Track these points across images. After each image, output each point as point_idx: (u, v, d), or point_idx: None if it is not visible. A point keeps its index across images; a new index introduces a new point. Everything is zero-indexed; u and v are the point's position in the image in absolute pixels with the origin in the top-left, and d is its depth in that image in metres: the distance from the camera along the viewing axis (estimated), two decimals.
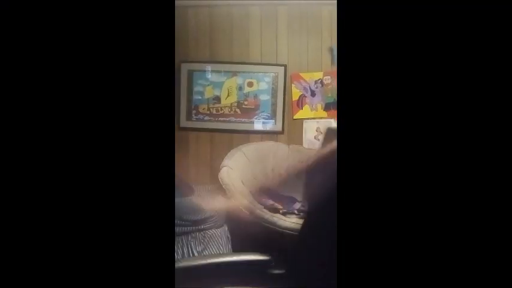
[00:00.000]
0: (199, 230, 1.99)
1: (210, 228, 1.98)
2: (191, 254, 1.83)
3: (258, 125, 2.60)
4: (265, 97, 2.60)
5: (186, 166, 2.62)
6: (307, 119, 2.60)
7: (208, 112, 2.61)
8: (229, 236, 1.95)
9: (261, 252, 0.77)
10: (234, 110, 2.61)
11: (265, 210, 1.96)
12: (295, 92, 2.59)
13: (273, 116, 2.60)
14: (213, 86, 2.61)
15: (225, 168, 2.13)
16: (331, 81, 2.59)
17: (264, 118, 2.60)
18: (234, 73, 2.60)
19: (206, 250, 1.83)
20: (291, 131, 2.61)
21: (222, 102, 2.61)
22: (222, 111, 2.61)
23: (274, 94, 2.59)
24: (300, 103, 2.60)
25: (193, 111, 2.62)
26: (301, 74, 2.59)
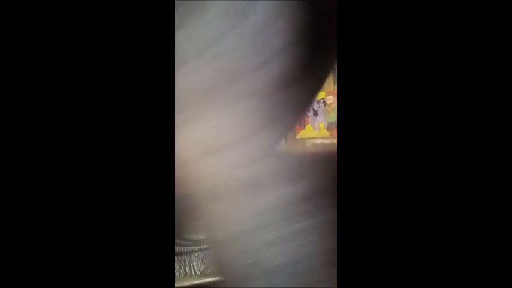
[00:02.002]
0: (202, 250, 1.96)
1: None
2: (193, 274, 1.80)
3: None
4: None
5: None
6: (310, 138, 2.59)
7: None
8: None
9: None
10: None
11: None
12: None
13: None
14: None
15: None
16: (333, 101, 2.60)
17: None
18: None
19: (208, 269, 1.80)
20: (293, 150, 2.60)
21: None
22: None
23: None
24: (303, 123, 2.60)
25: None
26: None
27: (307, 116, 2.59)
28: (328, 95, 2.58)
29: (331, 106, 2.60)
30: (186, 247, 1.94)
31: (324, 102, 2.58)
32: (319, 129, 2.59)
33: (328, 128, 2.59)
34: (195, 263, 1.95)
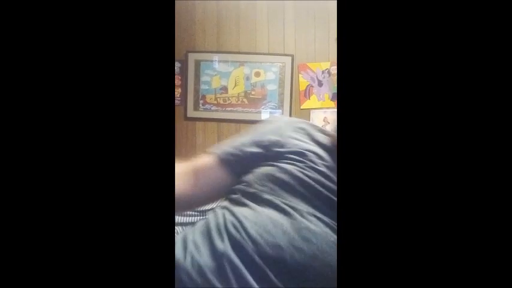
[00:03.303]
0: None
1: None
2: None
3: (265, 115, 2.60)
4: (272, 87, 2.59)
5: (193, 156, 2.63)
6: (315, 109, 2.59)
7: (215, 102, 2.61)
8: None
9: None
10: (241, 100, 2.61)
11: None
12: (303, 82, 2.59)
13: (280, 106, 2.59)
14: (220, 76, 2.61)
15: None
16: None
17: (271, 108, 2.60)
18: (241, 63, 2.59)
19: None
20: None
21: (229, 92, 2.61)
22: (229, 101, 2.61)
23: (281, 84, 2.59)
24: (307, 93, 2.60)
25: (201, 101, 2.62)
26: (308, 64, 2.58)
27: (312, 87, 2.58)
28: (332, 66, 2.56)
29: (336, 76, 2.58)
30: (190, 217, 1.98)
31: (329, 73, 2.56)
32: (324, 99, 2.58)
33: (333, 99, 2.58)
34: None
